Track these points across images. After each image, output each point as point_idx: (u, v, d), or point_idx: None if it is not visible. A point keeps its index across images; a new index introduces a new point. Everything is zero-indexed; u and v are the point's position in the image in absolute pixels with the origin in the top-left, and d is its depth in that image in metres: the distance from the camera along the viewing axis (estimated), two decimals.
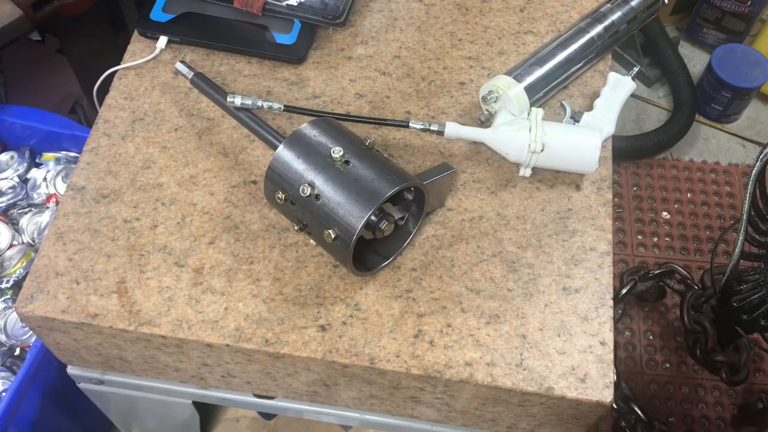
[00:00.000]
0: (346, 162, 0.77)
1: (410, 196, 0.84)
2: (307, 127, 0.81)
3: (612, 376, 0.78)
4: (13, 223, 1.31)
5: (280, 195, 0.79)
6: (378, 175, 0.76)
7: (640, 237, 1.77)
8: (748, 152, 1.95)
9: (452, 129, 0.87)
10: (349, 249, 0.75)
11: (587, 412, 0.79)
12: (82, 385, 1.00)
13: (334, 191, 0.76)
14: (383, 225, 0.79)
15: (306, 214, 0.78)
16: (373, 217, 0.77)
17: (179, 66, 0.95)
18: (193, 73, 0.94)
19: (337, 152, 0.77)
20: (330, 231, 0.75)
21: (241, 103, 0.88)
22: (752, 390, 1.55)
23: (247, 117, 0.88)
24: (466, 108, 0.97)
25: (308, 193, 0.76)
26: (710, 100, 1.95)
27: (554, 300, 0.83)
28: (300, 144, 0.79)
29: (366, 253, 0.83)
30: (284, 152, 0.79)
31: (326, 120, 0.83)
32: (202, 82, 0.93)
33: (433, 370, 0.78)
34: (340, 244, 0.76)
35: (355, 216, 0.74)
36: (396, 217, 0.83)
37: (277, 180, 0.79)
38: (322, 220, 0.76)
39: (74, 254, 0.85)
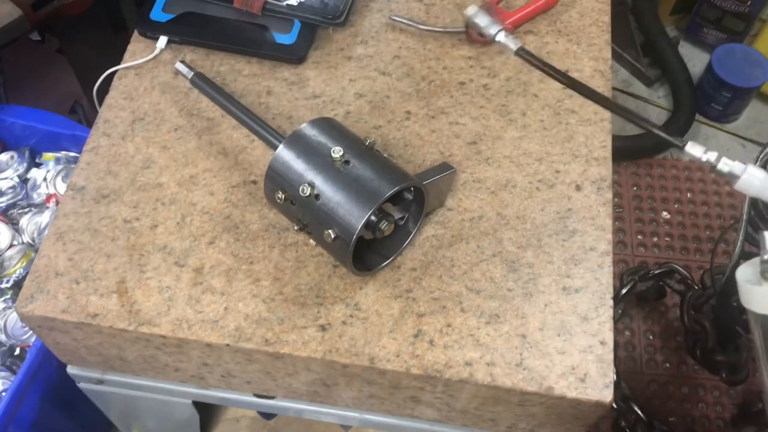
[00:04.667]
0: (346, 162, 0.77)
1: (410, 196, 0.84)
2: (306, 127, 0.81)
3: (612, 376, 0.78)
4: (13, 223, 1.31)
5: (280, 195, 0.79)
6: (378, 175, 0.76)
7: (640, 237, 1.77)
8: (748, 152, 1.95)
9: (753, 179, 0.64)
10: (349, 249, 0.75)
11: (587, 411, 0.79)
12: (82, 385, 1.00)
13: (334, 191, 0.76)
14: (383, 225, 0.79)
15: (306, 214, 0.78)
16: (373, 217, 0.77)
17: (179, 66, 0.95)
18: (193, 73, 0.94)
19: (337, 152, 0.77)
20: (330, 231, 0.75)
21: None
22: (752, 390, 1.55)
23: (247, 117, 0.88)
24: (466, 108, 0.97)
25: (308, 193, 0.76)
26: (710, 100, 1.95)
27: (554, 300, 0.83)
28: (300, 144, 0.79)
29: (366, 253, 0.83)
30: (284, 152, 0.79)
31: (326, 119, 0.83)
32: (202, 82, 0.93)
33: (433, 370, 0.78)
34: (340, 244, 0.76)
35: (355, 216, 0.74)
36: (396, 217, 0.83)
37: (276, 180, 0.79)
38: (322, 220, 0.76)
39: (74, 254, 0.85)
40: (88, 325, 0.81)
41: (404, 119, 0.96)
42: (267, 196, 0.83)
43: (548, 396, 0.77)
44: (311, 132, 0.80)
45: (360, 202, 0.74)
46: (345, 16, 1.01)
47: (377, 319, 0.81)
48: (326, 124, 0.82)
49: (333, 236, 0.75)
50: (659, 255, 1.74)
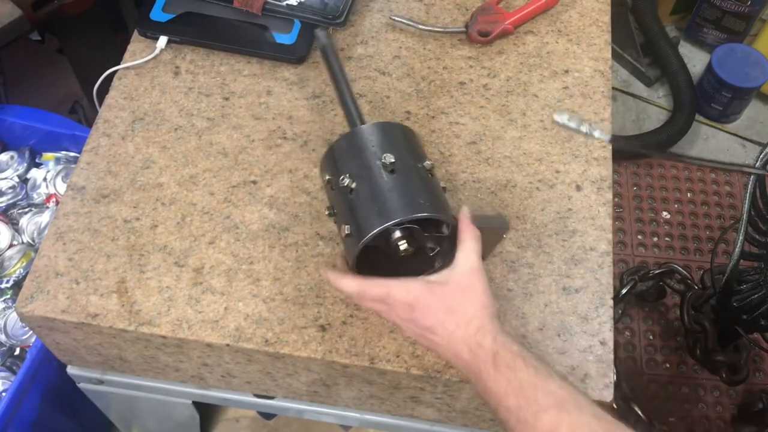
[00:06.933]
0: (392, 171, 0.74)
1: (446, 231, 0.77)
2: (380, 125, 0.79)
3: (612, 376, 0.78)
4: (13, 223, 1.31)
5: (327, 177, 0.78)
6: (411, 195, 0.73)
7: (640, 237, 1.77)
8: (748, 152, 1.95)
9: None
10: (355, 252, 0.73)
11: None
12: (82, 385, 1.00)
13: (366, 192, 0.74)
14: (401, 244, 0.74)
15: (337, 203, 0.77)
16: (397, 233, 0.73)
17: (318, 32, 0.88)
18: (327, 42, 0.87)
19: (387, 158, 0.74)
20: (346, 227, 0.74)
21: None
22: (752, 390, 1.55)
23: (351, 98, 0.84)
24: (466, 108, 0.97)
25: (345, 185, 0.74)
26: (710, 100, 1.95)
27: (554, 300, 0.83)
28: (362, 138, 0.78)
29: (382, 262, 0.77)
30: (344, 141, 0.78)
31: (407, 129, 0.81)
32: (331, 54, 0.87)
33: (433, 370, 0.78)
34: (350, 242, 0.75)
35: (369, 224, 0.72)
36: (426, 245, 0.77)
37: (330, 162, 0.78)
38: (346, 213, 0.75)
39: (74, 254, 0.85)
40: (88, 325, 0.81)
41: (404, 119, 0.96)
42: (320, 173, 0.81)
43: None
44: (379, 131, 0.78)
45: (382, 213, 0.72)
46: (345, 16, 1.01)
47: (377, 319, 0.80)
48: (401, 133, 0.79)
49: (347, 232, 0.74)
50: (659, 255, 1.74)
